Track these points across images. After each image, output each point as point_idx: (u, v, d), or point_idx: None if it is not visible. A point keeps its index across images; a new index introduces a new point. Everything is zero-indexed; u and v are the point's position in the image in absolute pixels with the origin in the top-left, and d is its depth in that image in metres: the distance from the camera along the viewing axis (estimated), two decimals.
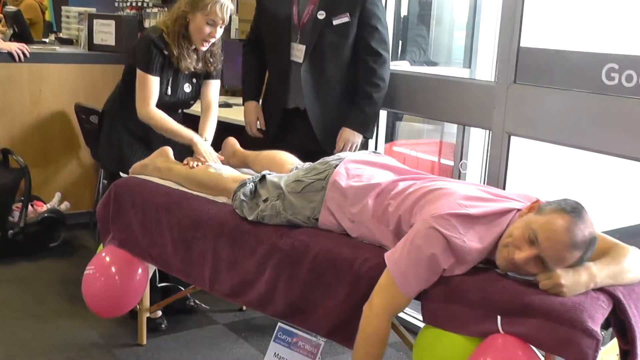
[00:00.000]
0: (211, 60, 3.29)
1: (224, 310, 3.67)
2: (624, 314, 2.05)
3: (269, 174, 2.76)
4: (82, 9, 5.35)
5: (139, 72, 3.19)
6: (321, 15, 3.17)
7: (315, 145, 3.23)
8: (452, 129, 4.25)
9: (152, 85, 3.17)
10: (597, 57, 2.67)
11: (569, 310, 1.97)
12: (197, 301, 3.61)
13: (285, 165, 3.01)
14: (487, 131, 3.70)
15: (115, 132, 3.40)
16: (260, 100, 3.48)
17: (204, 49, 3.20)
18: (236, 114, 3.93)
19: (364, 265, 2.32)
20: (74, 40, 5.46)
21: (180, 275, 2.90)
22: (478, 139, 3.78)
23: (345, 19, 3.16)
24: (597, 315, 1.99)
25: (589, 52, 2.69)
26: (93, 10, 5.28)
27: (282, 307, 2.53)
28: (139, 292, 3.04)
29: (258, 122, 3.41)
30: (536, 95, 2.84)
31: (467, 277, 2.16)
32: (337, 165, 2.59)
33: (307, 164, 2.92)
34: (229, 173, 2.91)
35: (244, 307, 3.71)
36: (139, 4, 5.35)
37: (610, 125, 2.62)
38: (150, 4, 5.32)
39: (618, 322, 2.06)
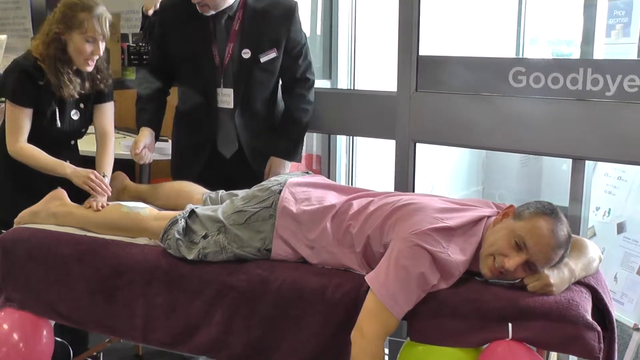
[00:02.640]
0: (99, 76, 2.94)
1: None
2: (601, 302, 2.18)
3: (196, 207, 2.57)
4: None
5: (7, 104, 2.82)
6: (246, 54, 2.94)
7: (244, 176, 3.01)
8: None
9: (21, 119, 2.81)
10: (502, 61, 2.81)
11: (566, 308, 2.05)
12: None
13: (194, 195, 2.83)
14: (348, 138, 3.79)
15: (2, 178, 2.97)
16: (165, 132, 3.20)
17: (90, 69, 2.86)
18: (122, 147, 3.58)
19: (336, 292, 2.24)
20: None
21: (99, 330, 2.61)
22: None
23: (272, 54, 2.97)
24: (588, 307, 2.10)
25: (494, 57, 2.82)
26: None
27: (240, 349, 2.36)
28: (47, 356, 2.67)
29: (146, 150, 3.00)
30: (440, 101, 2.91)
31: (453, 289, 2.16)
32: (280, 191, 2.47)
33: (224, 193, 2.78)
34: (147, 210, 2.65)
35: (141, 353, 3.45)
36: None
37: (521, 125, 2.76)
38: None
39: (595, 309, 2.16)
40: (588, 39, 2.76)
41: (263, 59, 2.97)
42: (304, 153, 3.44)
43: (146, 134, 3.00)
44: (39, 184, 2.87)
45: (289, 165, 3.13)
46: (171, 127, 3.25)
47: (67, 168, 2.81)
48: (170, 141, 3.32)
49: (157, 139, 3.09)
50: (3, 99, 4.33)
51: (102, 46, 2.84)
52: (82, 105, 2.97)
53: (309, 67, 3.11)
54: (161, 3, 3.11)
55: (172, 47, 3.03)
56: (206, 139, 3.05)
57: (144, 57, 4.00)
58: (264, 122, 3.09)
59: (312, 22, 3.98)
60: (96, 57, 2.85)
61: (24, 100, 2.82)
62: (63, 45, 2.81)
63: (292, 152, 3.12)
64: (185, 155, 3.14)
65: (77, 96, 2.89)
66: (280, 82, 3.12)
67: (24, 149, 2.83)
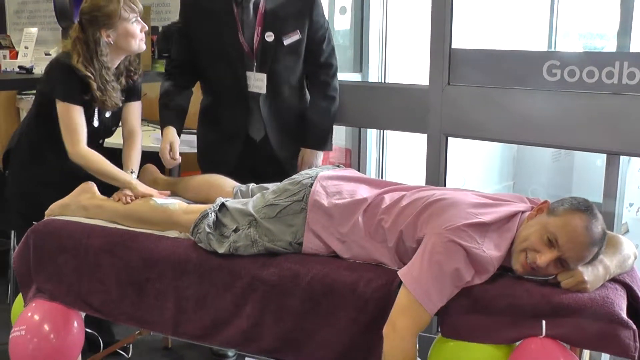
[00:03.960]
0: (132, 68, 2.95)
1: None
2: (636, 299, 2.15)
3: (227, 200, 2.57)
4: None
5: (59, 104, 2.77)
6: (269, 37, 2.94)
7: (273, 168, 3.04)
8: None
9: (78, 118, 2.78)
10: (536, 55, 2.78)
11: (601, 305, 2.02)
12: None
13: (224, 188, 2.83)
14: (379, 131, 3.78)
15: (27, 172, 2.98)
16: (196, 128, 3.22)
17: (144, 47, 2.88)
18: (151, 139, 3.61)
19: (368, 287, 2.22)
20: None
21: (130, 322, 2.61)
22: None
23: (296, 36, 2.97)
24: (623, 305, 2.07)
25: (528, 50, 2.79)
26: None
27: (270, 343, 2.36)
28: (78, 347, 2.69)
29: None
30: (473, 95, 2.89)
31: (487, 285, 2.14)
32: (311, 184, 2.46)
33: (255, 186, 2.77)
34: (177, 204, 2.66)
35: (170, 345, 3.47)
36: None
37: (554, 119, 2.73)
38: None
39: (630, 307, 2.12)
40: (625, 31, 2.73)
41: (286, 41, 2.96)
42: (334, 146, 3.45)
43: (174, 135, 2.99)
44: (63, 178, 2.89)
45: (321, 155, 3.15)
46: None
47: (132, 179, 2.80)
48: None
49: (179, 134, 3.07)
50: (29, 92, 4.40)
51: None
52: None
53: (333, 53, 3.10)
54: None
55: (198, 39, 3.02)
56: (239, 125, 3.04)
57: None
58: (291, 108, 3.09)
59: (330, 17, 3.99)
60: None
61: (76, 98, 2.79)
62: (106, 48, 2.80)
63: (323, 142, 3.14)
64: (217, 148, 3.12)
65: (120, 105, 2.89)
66: (303, 70, 3.10)
67: (89, 154, 2.79)
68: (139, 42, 2.85)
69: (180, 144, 3.03)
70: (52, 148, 2.86)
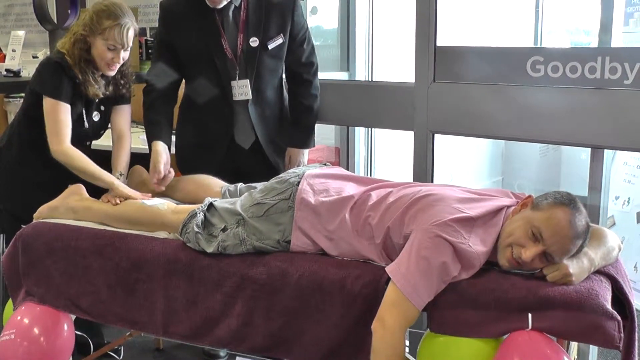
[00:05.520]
0: (122, 81, 2.98)
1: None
2: (621, 291, 2.17)
3: (215, 200, 2.58)
4: None
5: (47, 100, 2.81)
6: (254, 42, 2.95)
7: (259, 169, 3.04)
8: None
9: (64, 116, 2.81)
10: (520, 51, 2.81)
11: (586, 297, 2.04)
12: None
13: (213, 188, 2.84)
14: (367, 130, 3.80)
15: (16, 172, 3.00)
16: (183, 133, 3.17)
17: (111, 73, 2.89)
18: (140, 141, 3.55)
19: (356, 284, 2.24)
20: None
21: (121, 324, 2.62)
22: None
23: (279, 40, 2.99)
24: (608, 297, 2.09)
25: (512, 47, 2.81)
26: None
27: (260, 342, 2.37)
28: (68, 350, 2.70)
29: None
30: (458, 92, 2.91)
31: (473, 280, 2.16)
32: (298, 183, 2.48)
33: (243, 186, 2.79)
34: (165, 205, 2.67)
35: (161, 346, 3.48)
36: None
37: (539, 114, 2.75)
38: None
39: (615, 298, 2.15)
40: (606, 27, 2.76)
41: (271, 46, 2.98)
42: (322, 145, 3.46)
43: (165, 150, 2.93)
44: (52, 179, 2.89)
45: (307, 153, 3.19)
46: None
47: (114, 180, 2.80)
48: None
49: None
50: (17, 94, 4.41)
51: (123, 54, 2.86)
52: (102, 107, 3.01)
53: (313, 51, 3.14)
54: (161, 4, 3.09)
55: (181, 46, 3.01)
56: (224, 133, 3.04)
57: None
58: (275, 109, 3.12)
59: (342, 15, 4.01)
60: (117, 64, 2.87)
61: (64, 96, 2.82)
62: (87, 46, 2.84)
63: (308, 140, 3.19)
64: (199, 152, 3.10)
65: (101, 95, 2.91)
66: (285, 70, 3.13)
67: (72, 152, 2.81)
68: (105, 66, 2.86)
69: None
70: (41, 149, 2.88)
